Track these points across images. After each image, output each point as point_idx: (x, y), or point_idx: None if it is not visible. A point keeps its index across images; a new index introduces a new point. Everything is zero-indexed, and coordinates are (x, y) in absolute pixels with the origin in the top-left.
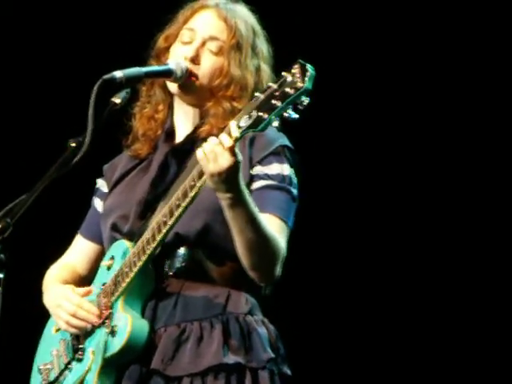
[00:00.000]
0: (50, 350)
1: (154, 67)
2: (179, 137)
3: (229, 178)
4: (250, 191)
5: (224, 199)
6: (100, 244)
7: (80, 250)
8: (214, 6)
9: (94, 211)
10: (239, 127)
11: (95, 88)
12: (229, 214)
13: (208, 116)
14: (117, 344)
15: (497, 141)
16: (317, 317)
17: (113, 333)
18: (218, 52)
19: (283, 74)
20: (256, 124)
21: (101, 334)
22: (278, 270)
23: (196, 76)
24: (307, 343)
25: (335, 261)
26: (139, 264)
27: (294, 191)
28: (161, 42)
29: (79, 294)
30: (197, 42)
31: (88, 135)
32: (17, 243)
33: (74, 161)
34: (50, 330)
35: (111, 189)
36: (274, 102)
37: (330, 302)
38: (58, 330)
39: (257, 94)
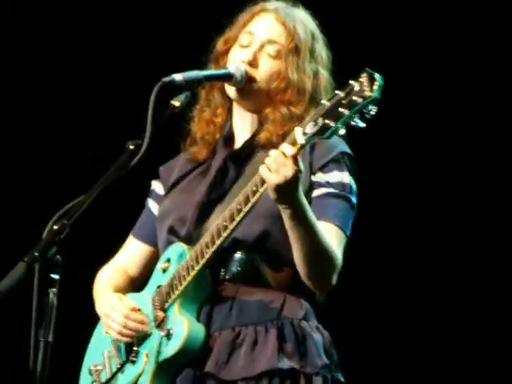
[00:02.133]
0: (101, 351)
1: (214, 71)
2: (238, 142)
3: (290, 189)
4: (311, 198)
5: (284, 209)
6: (153, 246)
7: (132, 252)
8: (273, 9)
9: (149, 213)
10: (304, 134)
11: (154, 90)
12: (288, 224)
13: (266, 122)
14: (172, 347)
15: None
16: (370, 323)
17: (168, 336)
18: (276, 56)
19: (350, 82)
20: (322, 131)
21: (155, 337)
22: (334, 279)
23: (254, 79)
24: (360, 350)
25: (389, 267)
26: (197, 268)
27: (354, 199)
28: (220, 45)
29: (127, 305)
30: (255, 45)
31: (146, 138)
32: (73, 245)
33: (131, 163)
34: (100, 331)
35: (168, 191)
36: (341, 110)
37: (383, 309)
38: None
39: (323, 101)
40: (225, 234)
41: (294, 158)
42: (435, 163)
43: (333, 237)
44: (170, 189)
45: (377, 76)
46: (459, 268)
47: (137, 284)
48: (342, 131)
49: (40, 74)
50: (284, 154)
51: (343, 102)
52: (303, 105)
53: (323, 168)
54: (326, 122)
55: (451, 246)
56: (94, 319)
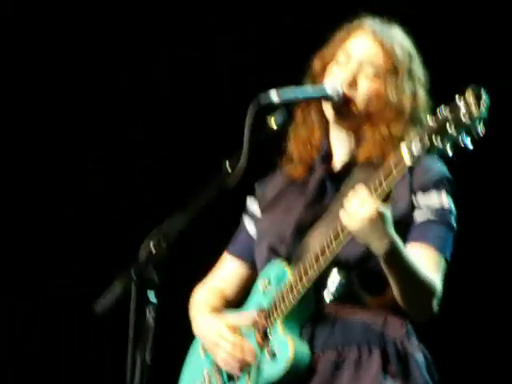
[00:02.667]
0: (200, 371)
1: (310, 90)
2: (336, 160)
3: (373, 230)
4: (412, 220)
5: (375, 252)
6: (249, 264)
7: (228, 270)
8: (370, 28)
9: (244, 231)
10: (410, 152)
11: (251, 109)
12: (383, 266)
13: (365, 141)
14: (278, 368)
15: None
16: (470, 342)
17: (273, 356)
18: (375, 76)
19: (456, 100)
20: (429, 150)
21: (259, 358)
22: (434, 307)
23: (353, 101)
24: (460, 370)
25: (490, 284)
26: (301, 288)
27: (454, 222)
28: (317, 63)
29: (232, 326)
30: (353, 65)
31: (243, 156)
32: (170, 264)
33: (229, 182)
34: (196, 349)
35: (264, 210)
36: (448, 128)
37: (484, 329)
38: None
39: (428, 119)
40: (329, 254)
41: (369, 200)
42: None
43: (432, 263)
44: (266, 207)
45: (483, 94)
46: None
47: (232, 303)
48: (449, 150)
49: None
50: (358, 196)
51: (450, 120)
52: (402, 125)
53: (423, 190)
54: (434, 140)
55: None
56: (189, 338)
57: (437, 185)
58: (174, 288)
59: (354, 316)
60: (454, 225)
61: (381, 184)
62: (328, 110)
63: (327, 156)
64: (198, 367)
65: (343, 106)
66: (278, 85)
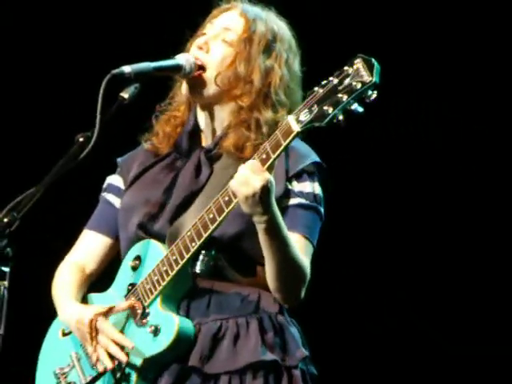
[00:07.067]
0: (67, 353)
1: (163, 62)
2: (204, 139)
3: (262, 200)
4: (285, 206)
5: (259, 223)
6: (114, 239)
7: (91, 246)
8: (240, 6)
9: (108, 206)
10: (299, 122)
11: (103, 82)
12: (262, 238)
13: (228, 128)
14: (162, 343)
15: None
16: (337, 322)
17: (156, 332)
18: (229, 43)
19: (344, 68)
20: (320, 118)
21: (139, 334)
22: (303, 293)
23: (203, 67)
24: (326, 344)
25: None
26: (182, 262)
27: (322, 210)
28: (190, 45)
29: (102, 312)
30: (211, 32)
31: (96, 130)
32: (23, 237)
33: (81, 156)
34: (55, 333)
35: (130, 184)
36: (339, 95)
37: (347, 307)
38: (67, 334)
39: (315, 88)
40: (212, 227)
41: (262, 170)
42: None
43: (302, 249)
44: (132, 182)
45: (373, 61)
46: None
47: (94, 276)
48: (341, 117)
49: None
50: (251, 167)
51: (339, 87)
52: (250, 97)
53: (297, 177)
54: (324, 108)
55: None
56: (43, 310)
57: (310, 173)
58: (27, 261)
59: (229, 291)
60: (323, 212)
61: (269, 157)
62: (184, 85)
63: (194, 133)
64: (64, 351)
65: (195, 76)
66: None
